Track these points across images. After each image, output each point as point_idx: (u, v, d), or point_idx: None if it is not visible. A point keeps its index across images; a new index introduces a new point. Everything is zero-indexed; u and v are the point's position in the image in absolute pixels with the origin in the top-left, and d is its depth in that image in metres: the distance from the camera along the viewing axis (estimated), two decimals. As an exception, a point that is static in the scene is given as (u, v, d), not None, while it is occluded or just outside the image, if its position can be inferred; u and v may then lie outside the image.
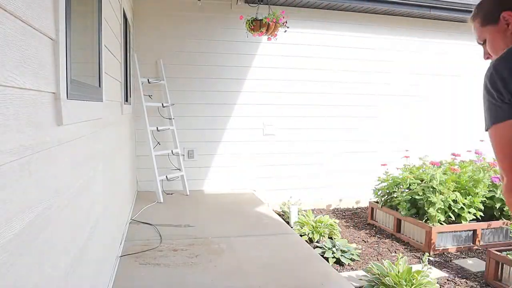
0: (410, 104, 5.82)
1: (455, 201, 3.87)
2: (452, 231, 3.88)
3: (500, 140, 1.19)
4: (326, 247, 3.64)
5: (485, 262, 3.30)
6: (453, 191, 3.90)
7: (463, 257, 3.75)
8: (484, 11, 1.46)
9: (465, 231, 3.93)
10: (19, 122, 0.94)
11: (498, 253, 3.13)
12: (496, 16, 1.36)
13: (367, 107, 5.65)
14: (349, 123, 5.60)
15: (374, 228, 4.62)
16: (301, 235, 3.90)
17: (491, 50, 1.45)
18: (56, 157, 1.26)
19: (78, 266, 1.57)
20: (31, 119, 1.03)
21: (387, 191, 4.56)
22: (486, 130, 1.24)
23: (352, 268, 3.43)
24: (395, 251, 3.85)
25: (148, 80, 4.76)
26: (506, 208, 4.02)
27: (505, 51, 1.23)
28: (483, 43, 1.51)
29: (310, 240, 3.99)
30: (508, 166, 1.18)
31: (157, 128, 4.73)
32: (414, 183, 4.12)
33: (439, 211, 3.80)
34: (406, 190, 4.21)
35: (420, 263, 3.17)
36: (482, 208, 3.91)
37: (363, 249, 3.89)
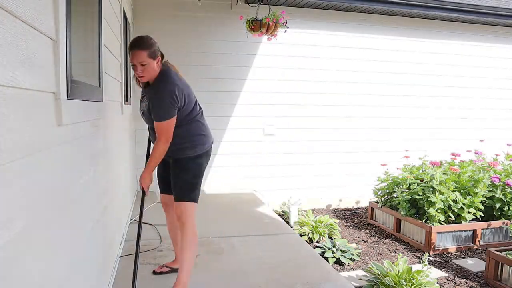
0: (410, 104, 5.82)
1: (455, 201, 3.87)
2: (452, 231, 3.88)
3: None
4: (326, 247, 3.64)
5: (485, 262, 3.31)
6: (453, 191, 3.90)
7: (463, 257, 3.75)
8: None
9: (465, 231, 3.93)
10: (19, 122, 0.94)
11: (498, 253, 3.13)
12: None
13: (367, 107, 5.65)
14: (349, 123, 5.60)
15: (374, 228, 4.62)
16: (301, 235, 3.90)
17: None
18: (57, 157, 1.26)
19: (79, 266, 1.57)
20: (31, 119, 1.03)
21: (387, 191, 4.56)
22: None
23: (352, 268, 3.43)
24: (395, 251, 3.85)
25: (148, 80, 4.76)
26: (506, 208, 4.02)
27: None
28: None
29: (310, 240, 3.99)
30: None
31: (157, 128, 4.73)
32: (414, 183, 4.12)
33: (439, 211, 3.80)
34: (406, 190, 4.21)
35: (420, 263, 3.17)
36: (482, 208, 3.91)
37: (363, 249, 3.89)
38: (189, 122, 2.34)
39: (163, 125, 2.22)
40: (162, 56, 2.32)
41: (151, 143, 2.56)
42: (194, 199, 2.38)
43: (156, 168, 2.53)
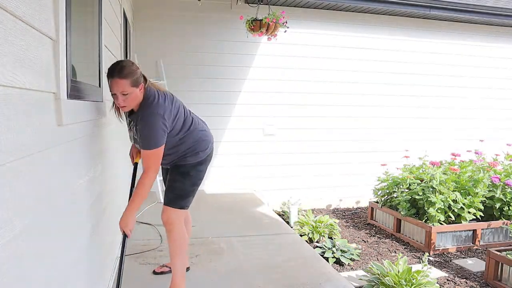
0: (410, 104, 5.82)
1: (455, 201, 3.87)
2: (452, 231, 3.88)
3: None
4: (326, 247, 3.64)
5: (485, 262, 3.30)
6: (453, 191, 3.90)
7: (463, 257, 3.75)
8: None
9: (465, 231, 3.93)
10: (20, 122, 0.94)
11: (498, 253, 3.13)
12: None
13: (367, 107, 5.65)
14: (349, 123, 5.60)
15: (374, 228, 4.62)
16: (301, 235, 3.90)
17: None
18: (57, 157, 1.26)
19: (79, 266, 1.57)
20: (32, 119, 1.03)
21: (387, 191, 4.56)
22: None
23: (352, 268, 3.43)
24: (395, 251, 3.85)
25: (148, 80, 4.76)
26: (506, 208, 4.02)
27: None
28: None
29: (310, 240, 3.99)
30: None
31: (157, 128, 4.72)
32: (414, 183, 4.12)
33: (439, 211, 3.80)
34: (406, 190, 4.21)
35: (420, 263, 3.17)
36: (482, 208, 3.91)
37: (363, 249, 3.89)
38: (186, 136, 2.24)
39: (152, 154, 2.05)
40: (145, 79, 2.12)
41: (136, 176, 2.34)
42: (185, 207, 2.31)
43: (161, 174, 2.44)
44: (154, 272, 2.68)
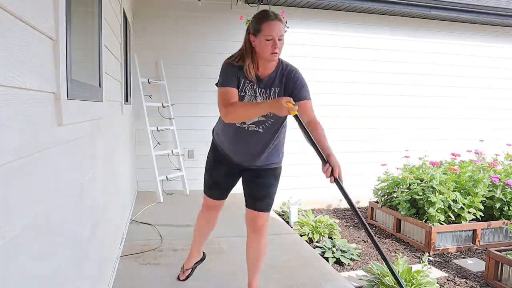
0: (410, 104, 5.82)
1: (455, 201, 3.87)
2: (452, 231, 3.88)
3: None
4: (326, 247, 3.64)
5: (485, 262, 3.30)
6: (453, 191, 3.90)
7: (463, 257, 3.75)
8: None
9: (465, 231, 3.93)
10: (19, 122, 0.94)
11: (498, 253, 3.13)
12: None
13: (367, 107, 5.65)
14: (349, 123, 5.60)
15: (374, 228, 4.62)
16: (301, 235, 3.90)
17: (281, 49, 1.97)
18: (56, 157, 1.26)
19: (79, 266, 1.57)
20: (31, 119, 1.03)
21: (387, 191, 4.56)
22: None
23: (352, 268, 3.43)
24: (395, 251, 3.85)
25: (148, 80, 4.76)
26: (506, 208, 4.02)
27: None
28: (280, 39, 1.94)
29: (310, 240, 3.99)
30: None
31: (157, 128, 4.73)
32: (414, 183, 4.12)
33: (439, 211, 3.80)
34: (406, 190, 4.21)
35: (420, 263, 3.17)
36: (482, 208, 3.91)
37: (363, 249, 3.89)
38: (285, 127, 2.19)
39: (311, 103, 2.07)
40: None
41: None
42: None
43: (216, 173, 2.30)
44: (179, 279, 2.60)
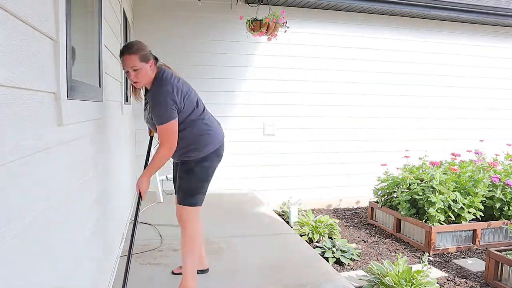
0: (410, 104, 5.82)
1: (455, 201, 3.87)
2: (452, 231, 3.88)
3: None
4: (326, 247, 3.64)
5: (485, 262, 3.30)
6: (453, 191, 3.90)
7: (463, 257, 3.75)
8: None
9: (465, 231, 3.93)
10: (19, 122, 0.94)
11: (498, 253, 3.13)
12: None
13: (367, 107, 5.65)
14: (349, 123, 5.60)
15: (374, 228, 4.62)
16: (301, 235, 3.90)
17: (141, 76, 2.21)
18: (57, 157, 1.26)
19: (79, 266, 1.57)
20: (32, 119, 1.03)
21: (387, 191, 4.56)
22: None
23: (352, 268, 3.43)
24: (395, 251, 3.85)
25: (148, 80, 4.76)
26: (506, 208, 4.02)
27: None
28: (135, 70, 2.16)
29: (310, 240, 3.99)
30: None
31: (157, 128, 4.73)
32: (414, 183, 4.12)
33: (439, 211, 3.80)
34: (406, 190, 4.21)
35: (420, 263, 3.17)
36: (482, 208, 3.91)
37: (363, 249, 3.89)
38: (191, 124, 2.25)
39: (165, 129, 2.14)
40: (156, 59, 2.27)
41: (151, 147, 2.51)
42: (196, 204, 2.32)
43: (172, 170, 2.53)
44: (173, 273, 2.66)
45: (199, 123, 2.28)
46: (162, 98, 2.12)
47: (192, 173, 2.30)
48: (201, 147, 2.29)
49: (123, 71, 2.25)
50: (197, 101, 2.32)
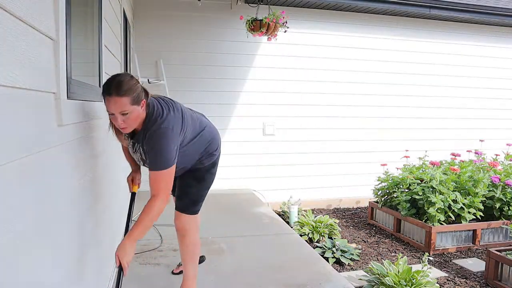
0: (410, 104, 5.82)
1: (455, 201, 3.87)
2: (452, 231, 3.88)
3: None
4: (326, 247, 3.64)
5: (485, 262, 3.30)
6: (453, 191, 3.90)
7: (463, 257, 3.75)
8: None
9: (465, 231, 3.93)
10: (20, 122, 0.94)
11: (498, 253, 3.13)
12: None
13: (367, 107, 5.65)
14: (349, 123, 5.60)
15: (374, 228, 4.62)
16: (301, 235, 3.90)
17: (131, 121, 1.75)
18: (57, 157, 1.26)
19: (79, 266, 1.57)
20: (31, 119, 1.03)
21: (387, 191, 4.56)
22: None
23: (352, 268, 3.43)
24: (395, 251, 3.85)
25: (148, 80, 4.76)
26: (506, 208, 4.02)
27: None
28: (124, 114, 1.71)
29: (310, 240, 3.99)
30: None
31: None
32: (414, 183, 4.12)
33: (439, 211, 3.80)
34: (406, 190, 4.21)
35: (420, 263, 3.17)
36: (482, 208, 3.91)
37: (363, 249, 3.89)
38: (198, 138, 2.11)
39: (163, 175, 1.77)
40: (147, 94, 1.81)
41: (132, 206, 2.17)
42: (197, 211, 2.25)
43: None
44: (173, 273, 2.66)
45: (203, 133, 2.17)
46: (163, 139, 1.77)
47: (203, 181, 2.23)
48: (211, 154, 2.23)
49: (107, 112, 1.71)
50: (193, 118, 2.11)
